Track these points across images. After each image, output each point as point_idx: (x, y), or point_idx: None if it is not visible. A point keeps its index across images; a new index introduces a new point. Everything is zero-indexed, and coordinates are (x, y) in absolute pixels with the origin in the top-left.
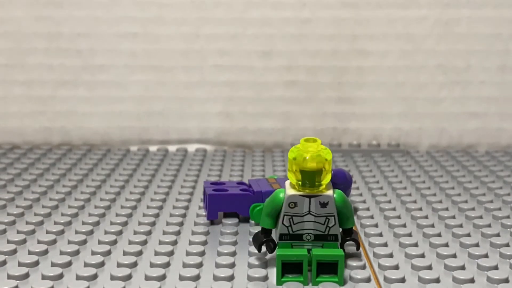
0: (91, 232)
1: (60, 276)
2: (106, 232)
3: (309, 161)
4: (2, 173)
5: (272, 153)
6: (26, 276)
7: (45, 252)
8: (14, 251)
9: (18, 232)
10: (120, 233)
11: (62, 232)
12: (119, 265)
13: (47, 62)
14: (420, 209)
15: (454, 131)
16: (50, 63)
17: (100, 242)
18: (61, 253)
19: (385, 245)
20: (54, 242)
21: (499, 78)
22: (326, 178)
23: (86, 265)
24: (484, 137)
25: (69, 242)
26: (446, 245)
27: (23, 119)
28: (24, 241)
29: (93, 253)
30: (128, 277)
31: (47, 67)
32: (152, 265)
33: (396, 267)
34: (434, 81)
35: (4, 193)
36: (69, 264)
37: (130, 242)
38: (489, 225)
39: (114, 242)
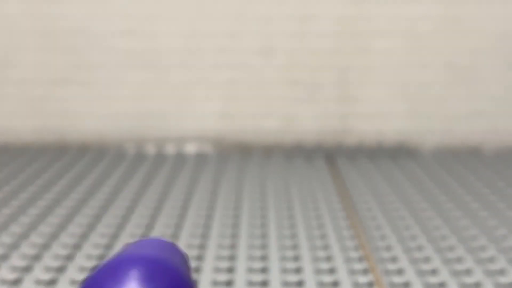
0: (85, 235)
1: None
2: (102, 235)
3: None
4: None
5: (272, 153)
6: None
7: (37, 257)
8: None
9: (11, 234)
10: (115, 237)
11: (55, 234)
12: None
13: (41, 60)
14: (425, 210)
15: (460, 130)
16: (45, 61)
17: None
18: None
19: (389, 248)
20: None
21: (507, 76)
22: None
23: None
24: (491, 137)
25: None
26: (453, 248)
27: (17, 119)
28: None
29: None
30: None
31: (42, 65)
32: None
33: (400, 271)
34: (439, 80)
35: None
36: (62, 269)
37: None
38: (496, 227)
39: (110, 245)
